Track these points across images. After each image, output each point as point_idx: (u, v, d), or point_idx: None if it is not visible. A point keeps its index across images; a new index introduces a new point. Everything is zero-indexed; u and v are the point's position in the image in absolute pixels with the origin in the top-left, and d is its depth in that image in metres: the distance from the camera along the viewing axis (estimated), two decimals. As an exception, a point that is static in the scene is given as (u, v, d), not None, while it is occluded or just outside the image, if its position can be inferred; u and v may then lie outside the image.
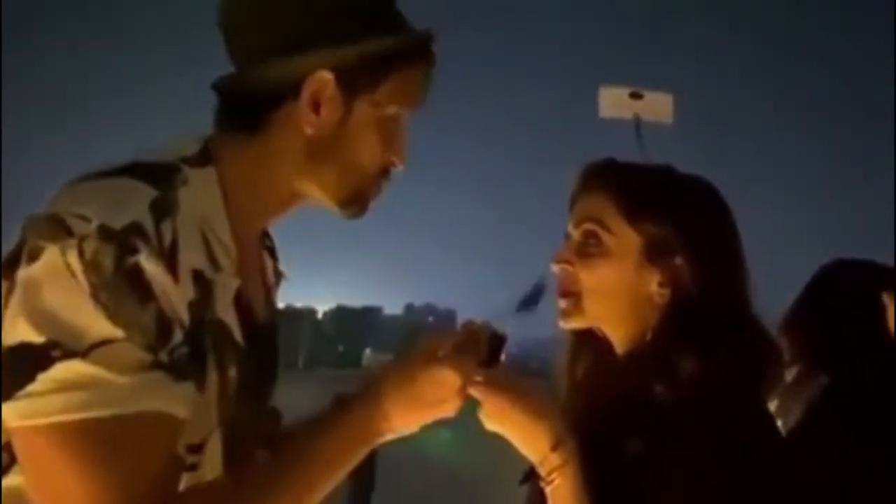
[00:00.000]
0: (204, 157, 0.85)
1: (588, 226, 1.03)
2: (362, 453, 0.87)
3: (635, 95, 1.25)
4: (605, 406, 1.02)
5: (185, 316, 0.75)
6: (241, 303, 0.86)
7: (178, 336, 0.74)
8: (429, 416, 0.90)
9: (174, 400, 0.74)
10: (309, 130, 0.87)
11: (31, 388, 0.68)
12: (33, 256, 0.71)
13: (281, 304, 1.06)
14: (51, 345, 0.69)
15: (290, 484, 0.81)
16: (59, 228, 0.72)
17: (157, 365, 0.72)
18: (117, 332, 0.70)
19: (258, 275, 0.97)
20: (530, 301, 1.00)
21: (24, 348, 0.69)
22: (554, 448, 0.93)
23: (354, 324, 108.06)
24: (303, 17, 0.87)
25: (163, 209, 0.76)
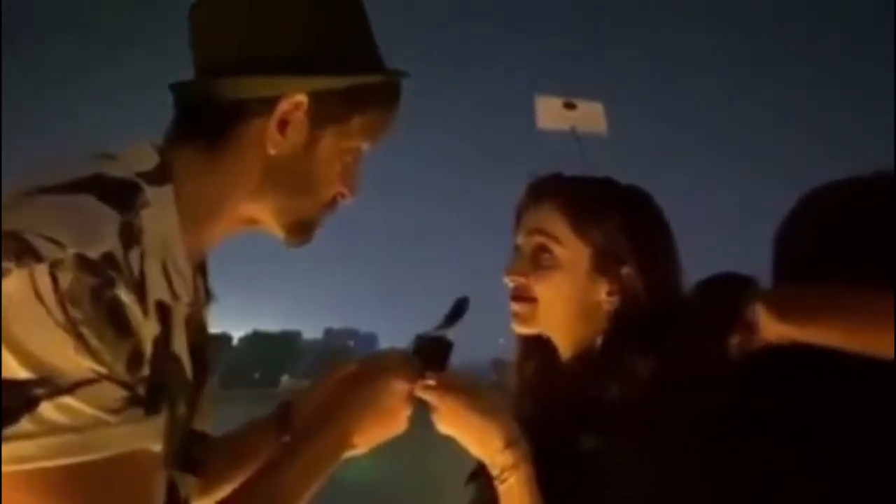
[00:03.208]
0: (162, 172, 0.81)
1: (539, 238, 1.07)
2: (329, 471, 0.92)
3: (569, 105, 1.29)
4: (556, 407, 1.06)
5: (149, 350, 0.72)
6: (189, 330, 0.82)
7: (146, 370, 0.71)
8: (385, 431, 0.96)
9: (152, 435, 0.71)
10: (272, 150, 0.85)
11: (16, 429, 0.63)
12: None
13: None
14: (34, 382, 0.64)
15: None
16: (23, 249, 0.65)
17: (135, 401, 0.69)
18: (101, 370, 0.66)
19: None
20: (455, 315, 1.02)
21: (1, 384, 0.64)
22: (506, 447, 0.96)
23: (272, 349, 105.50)
24: (291, 35, 0.85)
25: (129, 237, 0.72)
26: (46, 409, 0.64)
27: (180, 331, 0.80)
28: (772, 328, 0.87)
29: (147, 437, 0.70)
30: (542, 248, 1.07)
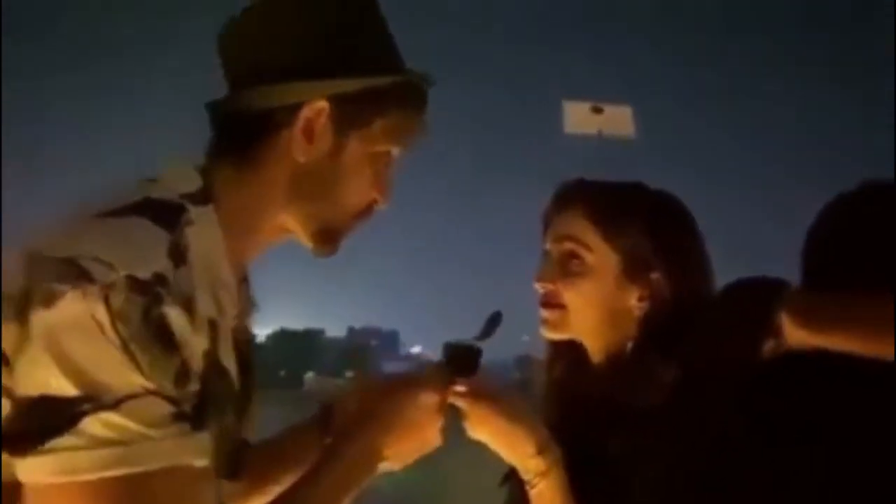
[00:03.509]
0: (203, 193, 0.84)
1: (568, 245, 1.07)
2: (363, 483, 0.91)
3: (597, 110, 1.31)
4: (585, 411, 1.06)
5: (200, 366, 0.74)
6: (236, 342, 0.85)
7: (194, 386, 0.73)
8: (419, 446, 0.94)
9: (198, 451, 0.73)
10: (301, 158, 0.86)
11: (59, 442, 0.65)
12: (48, 301, 0.67)
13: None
14: (80, 398, 0.66)
15: None
16: (77, 273, 0.68)
17: (180, 416, 0.71)
18: (147, 385, 0.68)
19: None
20: (490, 329, 1.03)
21: (47, 401, 0.66)
22: (538, 453, 0.96)
23: (296, 346, 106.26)
24: (307, 44, 0.87)
25: (178, 256, 0.75)
26: (90, 423, 0.65)
27: (227, 343, 0.81)
28: (793, 334, 0.87)
29: (193, 453, 0.71)
30: (571, 255, 1.07)
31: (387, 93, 0.88)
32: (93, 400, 0.66)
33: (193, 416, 0.72)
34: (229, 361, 0.82)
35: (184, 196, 0.81)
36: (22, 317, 0.67)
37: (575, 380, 1.12)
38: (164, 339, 0.70)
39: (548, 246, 1.11)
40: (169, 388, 0.70)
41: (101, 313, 0.67)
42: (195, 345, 0.73)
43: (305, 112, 0.85)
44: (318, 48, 0.87)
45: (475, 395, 0.97)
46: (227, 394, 0.81)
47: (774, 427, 0.88)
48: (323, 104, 0.85)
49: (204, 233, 0.80)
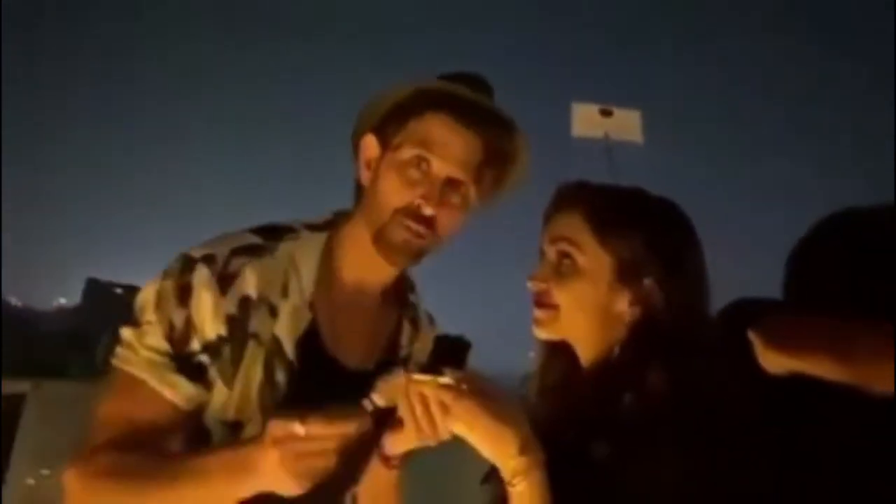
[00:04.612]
0: (325, 224, 1.13)
1: (562, 245, 1.07)
2: (228, 493, 0.94)
3: (605, 112, 1.30)
4: (572, 414, 1.06)
5: (218, 324, 1.02)
6: (311, 332, 1.08)
7: (194, 345, 1.02)
8: (285, 481, 0.90)
9: (172, 386, 1.01)
10: (365, 184, 1.10)
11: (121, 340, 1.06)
12: (165, 272, 1.05)
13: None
14: (132, 318, 1.05)
15: (160, 483, 0.96)
16: (182, 258, 1.05)
17: (167, 354, 1.02)
18: (153, 319, 1.02)
19: (368, 326, 1.17)
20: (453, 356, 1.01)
21: (127, 320, 1.06)
22: (520, 453, 0.95)
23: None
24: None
25: (248, 251, 1.05)
26: (126, 331, 1.04)
27: (289, 324, 1.05)
28: (768, 359, 0.86)
29: (162, 384, 1.01)
30: (565, 255, 1.07)
31: (403, 105, 1.04)
32: (133, 320, 1.04)
33: (183, 362, 1.01)
34: (285, 334, 1.05)
35: (305, 225, 1.11)
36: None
37: (566, 383, 1.12)
38: (179, 295, 1.01)
39: (544, 246, 1.11)
40: (167, 329, 1.01)
41: (161, 275, 1.03)
42: (212, 306, 1.01)
43: (361, 146, 1.09)
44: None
45: (461, 388, 0.95)
46: (272, 355, 1.04)
47: (778, 450, 0.87)
48: (369, 136, 1.08)
49: (302, 246, 1.08)
